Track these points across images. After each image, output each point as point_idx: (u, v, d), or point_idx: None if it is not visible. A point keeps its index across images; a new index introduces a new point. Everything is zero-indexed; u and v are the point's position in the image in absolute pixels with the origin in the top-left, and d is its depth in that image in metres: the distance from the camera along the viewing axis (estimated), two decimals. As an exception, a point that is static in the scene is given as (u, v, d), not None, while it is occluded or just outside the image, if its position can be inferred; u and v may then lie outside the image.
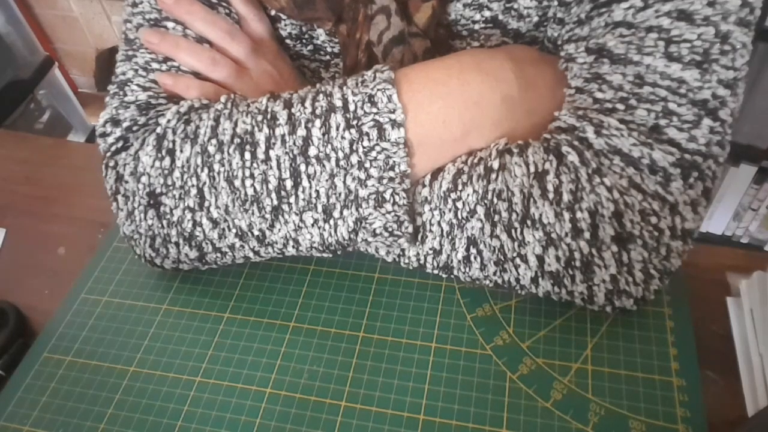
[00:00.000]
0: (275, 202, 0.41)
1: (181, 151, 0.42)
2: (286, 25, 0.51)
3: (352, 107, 0.40)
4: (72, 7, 1.83)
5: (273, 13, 0.50)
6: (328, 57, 0.52)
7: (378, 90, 0.40)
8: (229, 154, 0.41)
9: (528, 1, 0.46)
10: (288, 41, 0.52)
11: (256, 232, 0.43)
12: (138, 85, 0.46)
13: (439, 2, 0.47)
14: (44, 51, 1.86)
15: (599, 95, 0.40)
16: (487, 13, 0.47)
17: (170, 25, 0.47)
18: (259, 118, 0.41)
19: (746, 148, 1.31)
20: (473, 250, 0.42)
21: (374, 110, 0.40)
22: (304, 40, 0.52)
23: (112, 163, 0.45)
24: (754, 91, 1.26)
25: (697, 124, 0.39)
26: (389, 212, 0.40)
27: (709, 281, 0.47)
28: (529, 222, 0.40)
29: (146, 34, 0.46)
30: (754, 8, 0.40)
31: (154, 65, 0.46)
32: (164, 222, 0.44)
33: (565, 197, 0.39)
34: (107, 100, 0.47)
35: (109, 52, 1.88)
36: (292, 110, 0.41)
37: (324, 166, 0.40)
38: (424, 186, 0.42)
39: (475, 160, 0.41)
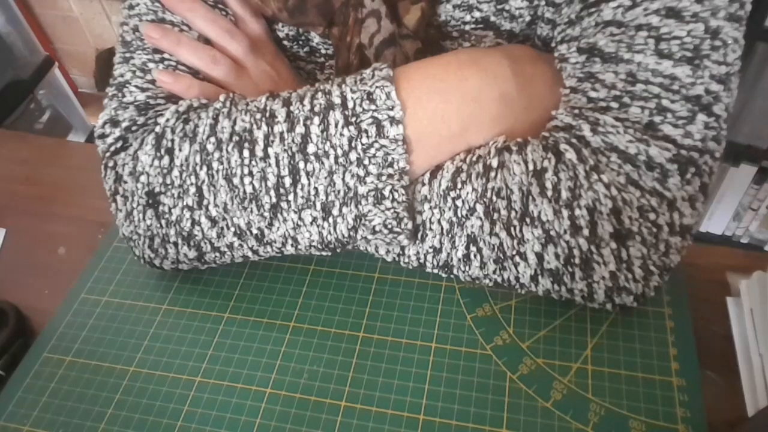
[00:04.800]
0: (274, 200, 0.41)
1: (180, 149, 0.42)
2: (283, 26, 0.51)
3: (350, 104, 0.40)
4: (72, 7, 1.83)
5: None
6: (322, 59, 0.52)
7: (377, 87, 0.40)
8: (227, 152, 0.41)
9: (519, 2, 0.46)
10: (285, 42, 0.52)
11: (254, 231, 0.43)
12: (136, 86, 0.46)
13: (429, 4, 0.47)
14: (44, 51, 1.86)
15: (593, 94, 0.40)
16: (477, 14, 0.47)
17: (168, 27, 0.47)
18: (258, 116, 0.42)
19: (746, 148, 1.31)
20: (473, 248, 0.42)
21: (373, 107, 0.40)
22: (300, 42, 0.52)
23: (111, 164, 0.45)
24: (754, 91, 1.25)
25: (691, 120, 0.39)
26: (388, 209, 0.41)
27: (709, 281, 0.47)
28: (528, 219, 0.40)
29: (148, 29, 0.46)
30: (744, 3, 0.40)
31: (152, 66, 0.46)
32: (163, 222, 0.44)
33: (564, 195, 0.39)
34: (106, 102, 0.47)
35: (109, 52, 1.88)
36: (291, 108, 0.41)
37: (323, 163, 0.40)
38: (423, 184, 0.42)
39: (474, 158, 0.41)
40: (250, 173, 0.41)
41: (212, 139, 0.42)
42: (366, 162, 0.40)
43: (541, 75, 0.43)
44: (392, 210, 0.41)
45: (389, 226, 0.41)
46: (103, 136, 0.46)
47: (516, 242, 0.40)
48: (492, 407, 0.41)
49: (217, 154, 0.42)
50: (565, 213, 0.39)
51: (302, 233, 0.42)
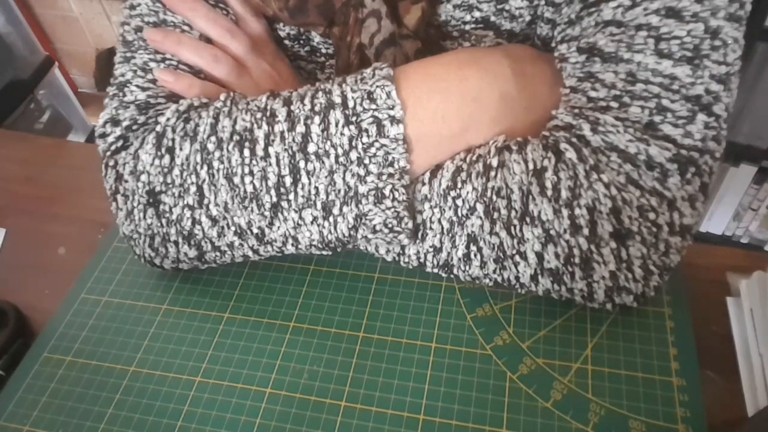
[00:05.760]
0: (274, 199, 0.41)
1: (181, 149, 0.42)
2: (284, 26, 0.51)
3: (351, 104, 0.40)
4: (72, 7, 1.83)
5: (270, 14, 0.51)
6: (323, 58, 0.52)
7: (377, 87, 0.40)
8: (228, 151, 0.41)
9: (519, 2, 0.46)
10: (286, 42, 0.52)
11: (255, 230, 0.43)
12: (137, 85, 0.46)
13: (429, 4, 0.47)
14: (44, 51, 1.86)
15: (593, 94, 0.40)
16: (477, 14, 0.47)
17: (169, 29, 0.47)
18: (258, 115, 0.42)
19: (746, 148, 1.31)
20: (473, 248, 0.42)
21: (373, 107, 0.40)
22: (301, 41, 0.52)
23: (111, 163, 0.45)
24: (754, 91, 1.25)
25: (691, 120, 0.39)
26: (389, 208, 0.41)
27: (709, 281, 0.47)
28: (528, 219, 0.40)
29: (149, 32, 0.46)
30: (744, 3, 0.40)
31: (153, 65, 0.46)
32: (163, 221, 0.44)
33: (564, 194, 0.39)
34: (106, 102, 0.47)
35: (109, 52, 1.88)
36: (291, 107, 0.41)
37: (323, 162, 0.40)
38: (423, 184, 0.42)
39: (474, 158, 0.41)
40: (251, 172, 0.41)
41: (213, 138, 0.42)
42: (366, 161, 0.40)
43: (541, 75, 0.43)
44: (393, 209, 0.41)
45: (390, 226, 0.41)
46: (103, 135, 0.46)
47: (516, 241, 0.40)
48: (492, 407, 0.41)
49: (217, 153, 0.42)
50: (565, 212, 0.39)
51: (303, 232, 0.42)
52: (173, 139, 0.43)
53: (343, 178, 0.40)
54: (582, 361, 0.43)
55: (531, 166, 0.40)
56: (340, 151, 0.40)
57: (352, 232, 0.42)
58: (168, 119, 0.43)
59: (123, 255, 0.53)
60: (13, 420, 0.43)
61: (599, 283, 0.41)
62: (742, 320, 0.44)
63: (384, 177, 0.40)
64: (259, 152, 0.41)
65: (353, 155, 0.40)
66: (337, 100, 0.41)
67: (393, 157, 0.40)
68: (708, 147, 0.40)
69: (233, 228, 0.43)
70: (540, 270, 0.41)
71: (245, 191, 0.41)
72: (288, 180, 0.41)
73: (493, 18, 0.48)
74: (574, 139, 0.40)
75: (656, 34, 0.39)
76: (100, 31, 1.88)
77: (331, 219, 0.41)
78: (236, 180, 0.41)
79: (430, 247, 0.43)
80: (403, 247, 0.45)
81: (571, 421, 0.40)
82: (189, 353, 0.46)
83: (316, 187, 0.41)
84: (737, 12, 0.39)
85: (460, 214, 0.41)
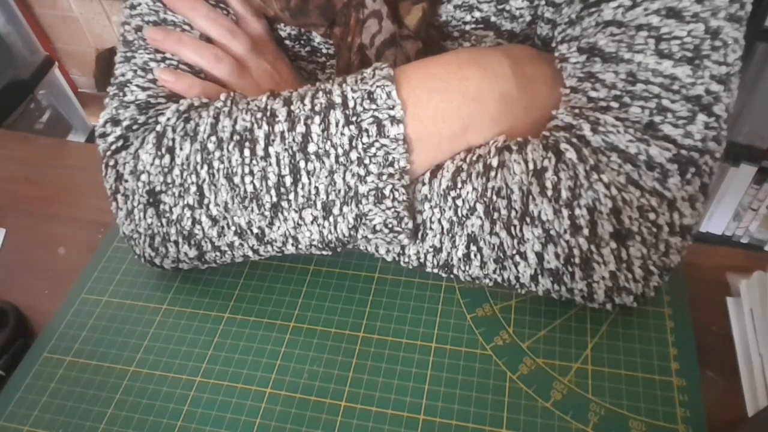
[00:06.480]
0: (274, 199, 0.41)
1: (181, 148, 0.42)
2: (285, 26, 0.51)
3: (351, 104, 0.40)
4: (72, 7, 1.83)
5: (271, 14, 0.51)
6: (324, 59, 0.52)
7: (377, 87, 0.40)
8: (228, 151, 0.41)
9: (519, 2, 0.46)
10: (287, 42, 0.52)
11: (255, 230, 0.43)
12: (137, 85, 0.46)
13: (430, 4, 0.47)
14: (44, 51, 1.86)
15: (593, 94, 0.40)
16: (477, 14, 0.48)
17: (169, 28, 0.47)
18: (259, 115, 0.42)
19: (746, 148, 1.31)
20: (473, 248, 0.42)
21: (373, 107, 0.40)
22: (302, 41, 0.52)
23: (112, 162, 0.45)
24: (754, 91, 1.25)
25: (691, 120, 0.39)
26: (389, 208, 0.41)
27: (709, 281, 0.47)
28: (528, 219, 0.40)
29: (150, 31, 0.47)
30: (744, 3, 0.40)
31: (153, 65, 0.46)
32: (163, 220, 0.44)
33: (564, 194, 0.39)
34: (107, 101, 0.47)
35: (109, 52, 1.88)
36: (292, 107, 0.41)
37: (323, 162, 0.40)
38: (423, 184, 0.42)
39: (474, 158, 0.42)
40: (251, 172, 0.41)
41: (213, 138, 0.42)
42: (366, 161, 0.40)
43: (541, 75, 0.43)
44: (393, 209, 0.41)
45: (390, 226, 0.41)
46: (104, 135, 0.46)
47: (516, 242, 0.40)
48: (492, 407, 0.41)
49: (217, 153, 0.42)
50: (565, 212, 0.39)
51: (303, 232, 0.42)
52: (173, 139, 0.43)
53: (344, 178, 0.40)
54: (582, 361, 0.43)
55: (531, 166, 0.40)
56: (340, 151, 0.40)
57: (352, 232, 0.42)
58: (168, 119, 0.43)
59: (123, 255, 0.53)
60: (13, 420, 0.43)
61: (599, 284, 0.41)
62: (742, 320, 0.44)
63: (384, 177, 0.40)
64: (260, 152, 0.41)
65: (353, 155, 0.40)
66: (338, 100, 0.41)
67: (393, 157, 0.40)
68: (708, 147, 0.40)
69: (233, 228, 0.43)
70: (540, 270, 0.41)
71: (245, 191, 0.41)
72: (288, 180, 0.41)
73: (493, 18, 0.48)
74: (574, 140, 0.40)
75: (657, 35, 0.39)
76: (100, 31, 1.88)
77: (331, 219, 0.41)
78: (236, 180, 0.41)
79: (430, 247, 0.43)
80: (403, 247, 0.45)
81: (571, 421, 0.40)
82: (189, 353, 0.46)
83: (317, 187, 0.41)
84: (738, 12, 0.39)
85: (460, 214, 0.41)
